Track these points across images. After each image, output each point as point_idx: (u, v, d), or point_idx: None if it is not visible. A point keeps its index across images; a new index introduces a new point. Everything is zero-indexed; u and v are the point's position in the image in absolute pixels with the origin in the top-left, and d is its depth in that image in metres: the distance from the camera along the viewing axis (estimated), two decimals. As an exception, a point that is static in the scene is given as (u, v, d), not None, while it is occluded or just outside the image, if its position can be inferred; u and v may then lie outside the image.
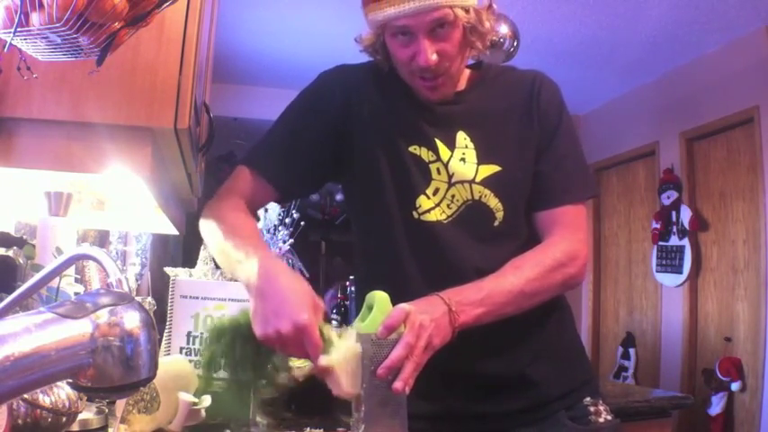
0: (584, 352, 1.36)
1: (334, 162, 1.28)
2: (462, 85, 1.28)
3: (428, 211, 1.22)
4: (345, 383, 0.96)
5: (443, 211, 1.21)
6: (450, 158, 1.22)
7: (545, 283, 1.16)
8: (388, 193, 1.23)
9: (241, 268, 1.06)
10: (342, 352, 0.96)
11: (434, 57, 1.14)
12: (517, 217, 1.23)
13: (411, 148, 1.23)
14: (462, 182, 1.21)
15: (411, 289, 1.12)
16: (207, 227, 1.19)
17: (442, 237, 1.21)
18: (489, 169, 1.22)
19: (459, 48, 1.18)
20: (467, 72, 1.29)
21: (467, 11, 1.14)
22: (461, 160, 1.22)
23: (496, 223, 1.22)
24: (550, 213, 1.24)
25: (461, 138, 1.23)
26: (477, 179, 1.21)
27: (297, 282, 1.01)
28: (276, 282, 1.00)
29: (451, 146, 1.23)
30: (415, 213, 1.22)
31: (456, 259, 1.20)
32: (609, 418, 1.24)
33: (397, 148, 1.23)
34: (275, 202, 1.34)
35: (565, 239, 1.20)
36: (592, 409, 1.23)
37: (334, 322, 3.04)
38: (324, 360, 0.95)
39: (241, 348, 1.03)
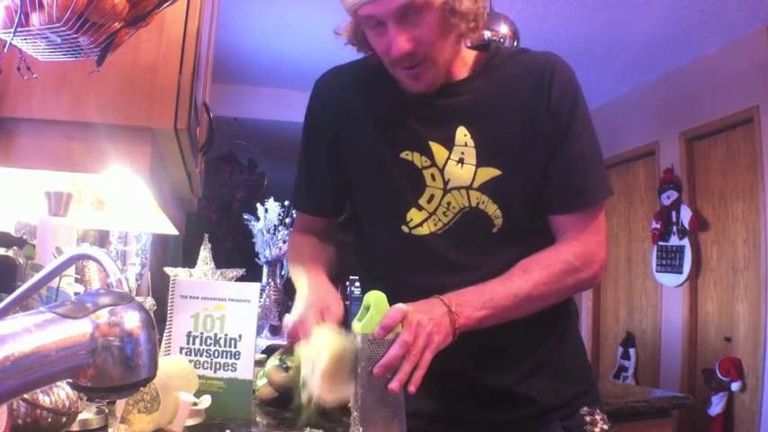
0: (586, 360, 1.31)
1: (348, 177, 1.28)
2: (466, 71, 1.18)
3: (420, 224, 1.17)
4: (317, 387, 0.96)
5: (436, 222, 1.16)
6: (446, 161, 1.14)
7: (554, 288, 1.11)
8: (378, 209, 1.21)
9: (298, 287, 1.18)
10: (311, 351, 0.98)
11: (407, 45, 1.05)
12: (517, 223, 1.16)
13: (403, 154, 1.16)
14: (459, 188, 1.15)
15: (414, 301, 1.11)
16: (287, 256, 1.42)
17: (438, 248, 1.16)
18: (488, 173, 1.14)
19: (439, 32, 1.06)
20: (472, 55, 1.20)
21: None
22: (459, 162, 1.14)
23: (495, 230, 1.16)
24: (567, 217, 1.17)
25: (461, 134, 1.14)
26: (475, 185, 1.14)
27: (319, 291, 1.13)
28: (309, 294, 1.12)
29: (449, 144, 1.14)
30: (405, 228, 1.17)
31: (456, 269, 1.15)
32: (605, 427, 1.20)
33: (385, 158, 1.17)
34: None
35: (579, 242, 1.14)
36: (588, 419, 1.19)
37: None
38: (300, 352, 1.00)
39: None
